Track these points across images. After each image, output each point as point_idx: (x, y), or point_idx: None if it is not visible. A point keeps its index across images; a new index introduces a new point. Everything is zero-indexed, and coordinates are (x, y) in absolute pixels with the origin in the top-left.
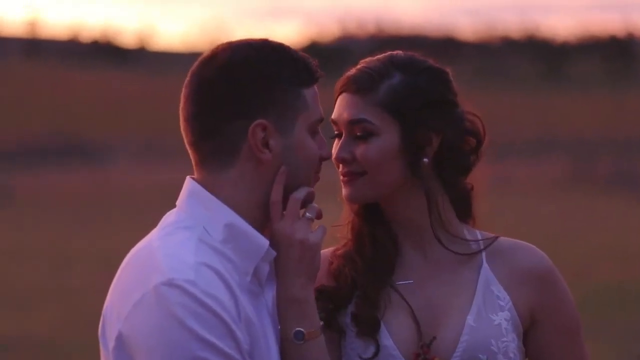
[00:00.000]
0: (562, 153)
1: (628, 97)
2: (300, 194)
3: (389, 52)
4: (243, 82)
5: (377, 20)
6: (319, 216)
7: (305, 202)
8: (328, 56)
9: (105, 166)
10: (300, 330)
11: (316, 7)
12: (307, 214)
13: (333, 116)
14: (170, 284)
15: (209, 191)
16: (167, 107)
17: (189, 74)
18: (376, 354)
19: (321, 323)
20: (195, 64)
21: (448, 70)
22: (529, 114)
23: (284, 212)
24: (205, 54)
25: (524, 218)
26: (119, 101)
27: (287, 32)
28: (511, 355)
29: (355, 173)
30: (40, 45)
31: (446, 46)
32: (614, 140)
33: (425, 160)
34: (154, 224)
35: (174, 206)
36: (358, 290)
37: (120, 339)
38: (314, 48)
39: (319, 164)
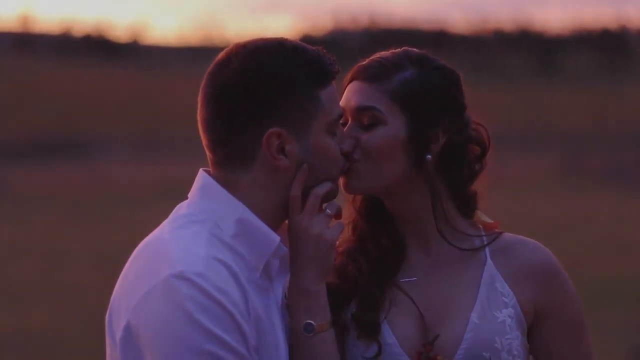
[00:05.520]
0: (554, 146)
1: (620, 90)
2: (321, 189)
3: (405, 47)
4: (256, 90)
5: (369, 13)
6: (338, 214)
7: (327, 198)
8: None
9: (99, 161)
10: (310, 323)
11: (309, 0)
12: (327, 210)
13: (341, 104)
14: (181, 276)
15: (223, 187)
16: (161, 102)
17: (205, 76)
18: (379, 353)
19: (331, 317)
20: (211, 65)
21: (459, 73)
22: (521, 107)
23: (305, 207)
24: (220, 55)
25: (516, 212)
26: (112, 95)
27: (280, 25)
28: (515, 352)
29: (355, 161)
30: (32, 39)
31: (439, 39)
32: (606, 133)
33: (429, 157)
34: (148, 218)
35: (169, 200)
36: (360, 290)
37: (128, 329)
38: (307, 41)
39: (341, 161)
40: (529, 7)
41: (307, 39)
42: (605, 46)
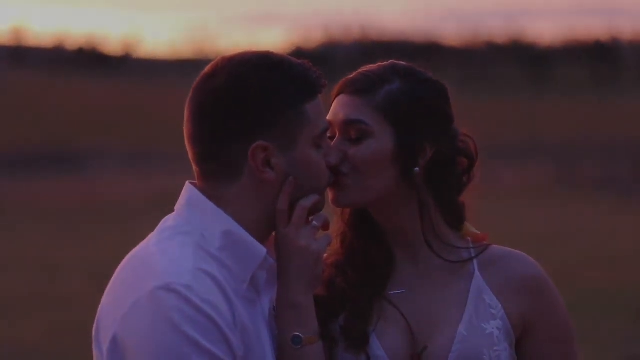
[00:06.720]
0: (546, 157)
1: (612, 102)
2: (307, 201)
3: (392, 60)
4: (242, 104)
5: (361, 26)
6: (325, 226)
7: (313, 211)
8: (312, 62)
9: (91, 174)
10: (298, 335)
11: (301, 13)
12: (314, 222)
13: (328, 117)
14: (167, 288)
15: (210, 200)
16: (153, 114)
17: (191, 89)
18: None
19: (319, 330)
20: (197, 79)
21: (447, 86)
22: (514, 119)
23: (291, 219)
24: (206, 69)
25: (509, 222)
26: (105, 109)
27: (272, 38)
28: None
29: (343, 175)
30: (25, 53)
31: (431, 51)
32: (598, 145)
33: (417, 169)
34: (140, 232)
35: (160, 214)
36: (348, 303)
37: (115, 341)
38: (299, 54)
39: (328, 173)
40: (520, 18)
41: (299, 51)
42: (597, 58)
